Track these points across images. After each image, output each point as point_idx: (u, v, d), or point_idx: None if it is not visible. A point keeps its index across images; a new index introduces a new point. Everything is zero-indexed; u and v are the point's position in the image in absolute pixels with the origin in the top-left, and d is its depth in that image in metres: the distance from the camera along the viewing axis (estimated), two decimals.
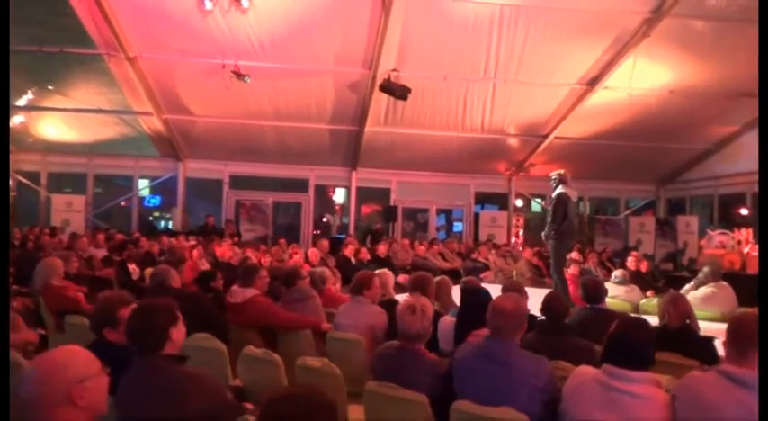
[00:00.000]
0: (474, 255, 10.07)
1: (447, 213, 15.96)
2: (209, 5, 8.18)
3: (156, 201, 16.88)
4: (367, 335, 3.69)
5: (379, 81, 10.04)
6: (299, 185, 14.43)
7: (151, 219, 17.02)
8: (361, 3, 8.61)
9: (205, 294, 4.50)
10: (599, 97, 10.85)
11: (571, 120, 11.66)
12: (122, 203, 14.59)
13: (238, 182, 14.17)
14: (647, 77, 10.29)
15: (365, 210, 16.77)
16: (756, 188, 12.21)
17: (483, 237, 14.05)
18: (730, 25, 8.97)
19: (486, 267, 9.56)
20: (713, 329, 4.27)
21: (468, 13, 8.87)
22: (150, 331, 2.34)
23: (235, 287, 4.29)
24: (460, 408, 2.44)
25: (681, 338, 3.29)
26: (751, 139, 12.24)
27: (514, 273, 9.30)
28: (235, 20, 8.75)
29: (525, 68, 10.01)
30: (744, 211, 11.26)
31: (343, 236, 13.71)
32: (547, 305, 3.39)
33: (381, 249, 9.54)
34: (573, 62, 10.02)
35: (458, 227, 15.73)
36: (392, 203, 14.42)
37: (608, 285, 6.20)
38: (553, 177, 6.61)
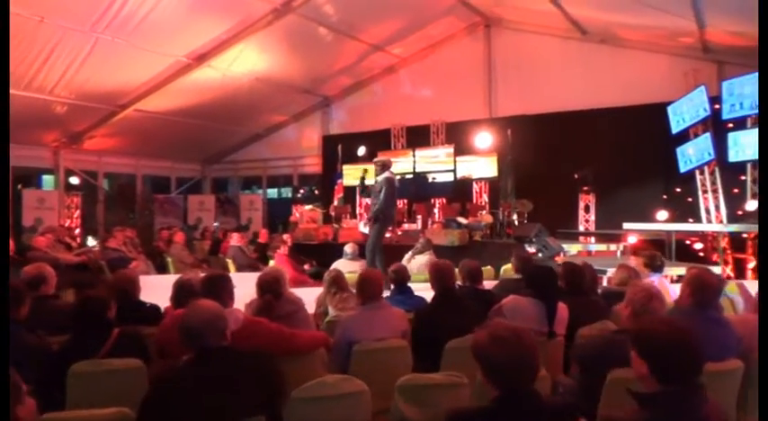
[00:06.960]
0: (110, 244, 8.18)
1: None
2: None
3: None
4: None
5: None
6: None
7: None
8: None
9: None
10: (196, 74, 10.64)
11: (158, 92, 10.94)
12: None
13: None
14: (247, 63, 10.82)
15: None
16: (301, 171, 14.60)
17: (29, 221, 11.45)
18: (317, 31, 10.51)
19: (131, 258, 8.00)
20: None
21: None
22: None
23: None
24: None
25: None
26: (292, 130, 14.46)
27: (169, 261, 8.15)
28: None
29: (143, 30, 8.87)
30: (302, 191, 13.25)
31: None
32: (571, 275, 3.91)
33: None
34: (192, 35, 9.57)
35: None
36: None
37: (343, 262, 6.58)
38: (380, 163, 6.54)
